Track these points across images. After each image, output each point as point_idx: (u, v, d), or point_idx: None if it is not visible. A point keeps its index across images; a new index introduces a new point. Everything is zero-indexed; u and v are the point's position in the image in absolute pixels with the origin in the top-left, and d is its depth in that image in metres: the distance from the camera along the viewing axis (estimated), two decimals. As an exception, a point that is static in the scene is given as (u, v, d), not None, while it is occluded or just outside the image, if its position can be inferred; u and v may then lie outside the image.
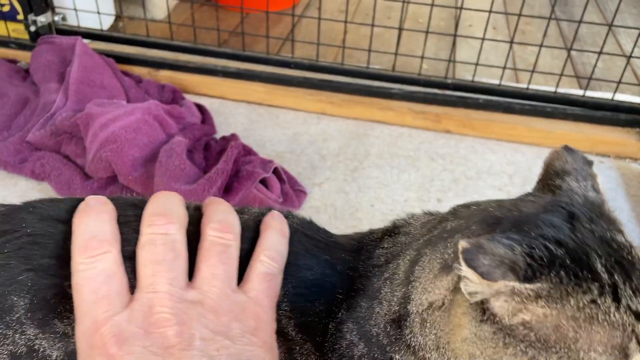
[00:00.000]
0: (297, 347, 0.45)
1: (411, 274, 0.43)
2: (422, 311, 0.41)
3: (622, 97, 1.32)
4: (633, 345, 0.35)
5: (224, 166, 1.00)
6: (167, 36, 1.47)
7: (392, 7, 1.96)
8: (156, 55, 1.46)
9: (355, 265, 0.48)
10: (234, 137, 1.13)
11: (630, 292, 0.36)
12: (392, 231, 0.52)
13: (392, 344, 0.43)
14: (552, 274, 0.35)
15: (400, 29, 1.34)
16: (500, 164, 1.27)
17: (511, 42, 1.31)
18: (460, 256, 0.35)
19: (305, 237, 0.49)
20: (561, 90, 1.32)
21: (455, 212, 0.48)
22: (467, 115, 1.34)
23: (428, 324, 0.41)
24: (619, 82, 1.25)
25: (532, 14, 1.83)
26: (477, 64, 1.31)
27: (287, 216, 0.50)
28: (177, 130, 1.12)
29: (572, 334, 0.35)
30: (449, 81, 1.36)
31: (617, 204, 1.16)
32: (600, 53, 1.24)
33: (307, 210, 1.11)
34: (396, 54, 1.35)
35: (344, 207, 1.13)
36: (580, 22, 1.24)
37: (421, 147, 1.32)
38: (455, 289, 0.38)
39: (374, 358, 0.44)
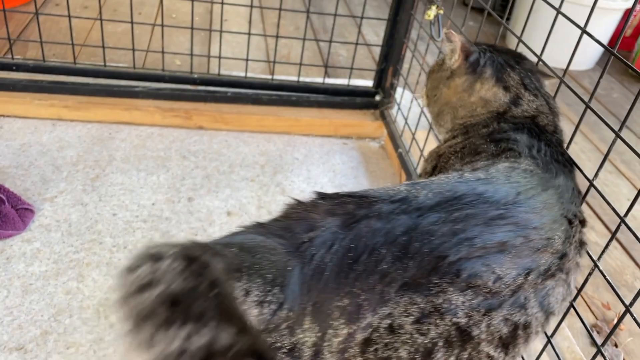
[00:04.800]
0: None
1: None
2: None
3: (357, 82, 1.42)
4: None
5: None
6: None
7: (145, 2, 1.86)
8: None
9: None
10: None
11: None
12: None
13: None
14: None
15: (132, 24, 1.26)
16: (253, 155, 1.27)
17: (247, 34, 1.32)
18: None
19: None
20: (304, 79, 1.38)
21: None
22: (218, 109, 1.32)
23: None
24: (351, 68, 1.34)
25: (286, 8, 1.89)
26: (219, 57, 1.30)
27: None
28: None
29: None
30: (195, 76, 1.32)
31: (359, 181, 1.25)
32: (330, 42, 1.31)
33: (36, 231, 0.98)
34: (147, 50, 1.27)
35: (81, 221, 1.02)
36: (308, 12, 1.30)
37: (172, 146, 1.26)
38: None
39: None
